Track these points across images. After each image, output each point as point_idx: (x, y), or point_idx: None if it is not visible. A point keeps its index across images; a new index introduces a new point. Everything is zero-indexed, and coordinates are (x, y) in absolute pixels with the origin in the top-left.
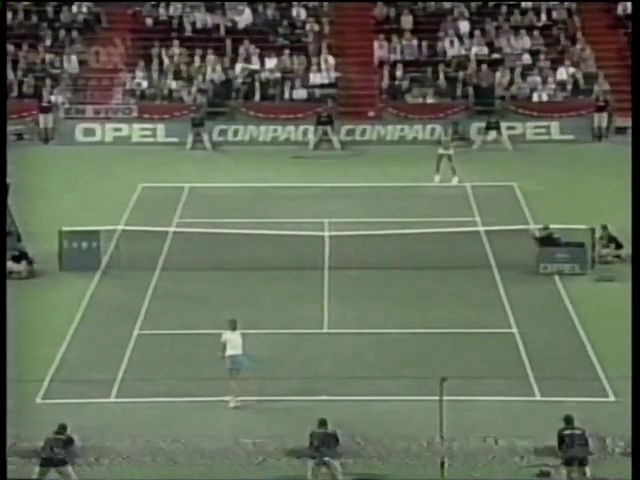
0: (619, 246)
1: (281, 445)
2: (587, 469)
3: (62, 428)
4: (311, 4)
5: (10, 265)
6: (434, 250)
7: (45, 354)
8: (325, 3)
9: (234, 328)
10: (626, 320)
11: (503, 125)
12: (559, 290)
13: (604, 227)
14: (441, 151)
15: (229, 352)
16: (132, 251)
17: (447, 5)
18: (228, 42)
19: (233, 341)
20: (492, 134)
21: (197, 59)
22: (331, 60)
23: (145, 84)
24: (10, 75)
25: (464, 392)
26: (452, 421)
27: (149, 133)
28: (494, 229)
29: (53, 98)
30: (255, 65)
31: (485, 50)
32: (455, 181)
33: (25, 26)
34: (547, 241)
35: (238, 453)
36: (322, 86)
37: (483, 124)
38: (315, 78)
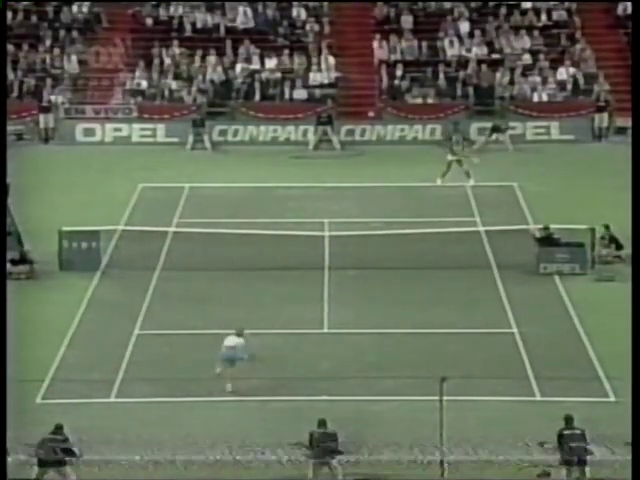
0: (619, 247)
1: (281, 445)
2: (587, 469)
3: (58, 428)
4: (311, 4)
5: (9, 266)
6: (434, 250)
7: (45, 354)
8: (325, 3)
9: (239, 335)
10: (626, 320)
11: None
12: (559, 290)
13: (606, 227)
14: (450, 157)
15: (226, 343)
16: (132, 251)
17: (447, 5)
18: (228, 42)
19: (235, 341)
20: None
21: (197, 59)
22: (331, 60)
23: (145, 84)
24: (10, 75)
25: (464, 392)
26: (452, 421)
27: (149, 133)
28: (494, 229)
29: (53, 98)
30: (255, 65)
31: (485, 50)
32: (472, 182)
33: (25, 26)
34: (547, 241)
35: (238, 453)
36: (322, 86)
37: (483, 124)
38: (315, 78)
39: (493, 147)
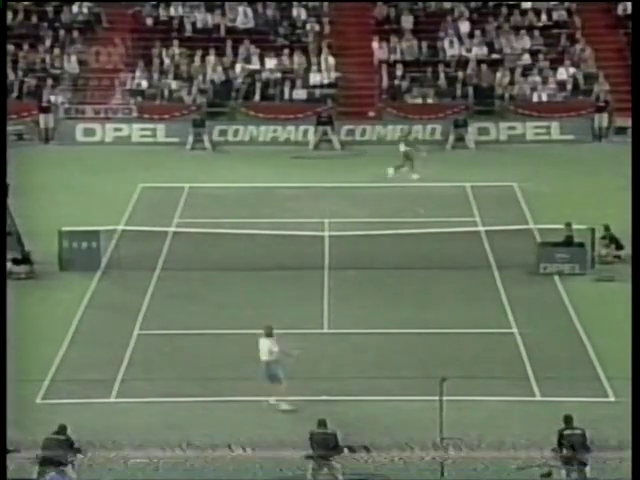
0: (620, 247)
1: (281, 445)
2: (587, 469)
3: (62, 429)
4: (311, 4)
5: (10, 266)
6: (434, 250)
7: (45, 354)
8: (325, 3)
9: (269, 334)
10: (626, 320)
11: (502, 125)
12: (559, 290)
13: (607, 227)
14: (402, 148)
15: (262, 358)
16: (132, 251)
17: (447, 5)
18: (228, 42)
19: (265, 348)
20: (459, 132)
21: (197, 59)
22: (331, 60)
23: (145, 84)
24: (10, 75)
25: (464, 392)
26: (452, 421)
27: (149, 133)
28: (494, 229)
29: (53, 98)
30: (255, 65)
31: (485, 50)
32: (392, 172)
33: (25, 26)
34: (568, 240)
35: (238, 453)
36: (322, 86)
37: (483, 124)
38: (315, 78)
39: (460, 146)
